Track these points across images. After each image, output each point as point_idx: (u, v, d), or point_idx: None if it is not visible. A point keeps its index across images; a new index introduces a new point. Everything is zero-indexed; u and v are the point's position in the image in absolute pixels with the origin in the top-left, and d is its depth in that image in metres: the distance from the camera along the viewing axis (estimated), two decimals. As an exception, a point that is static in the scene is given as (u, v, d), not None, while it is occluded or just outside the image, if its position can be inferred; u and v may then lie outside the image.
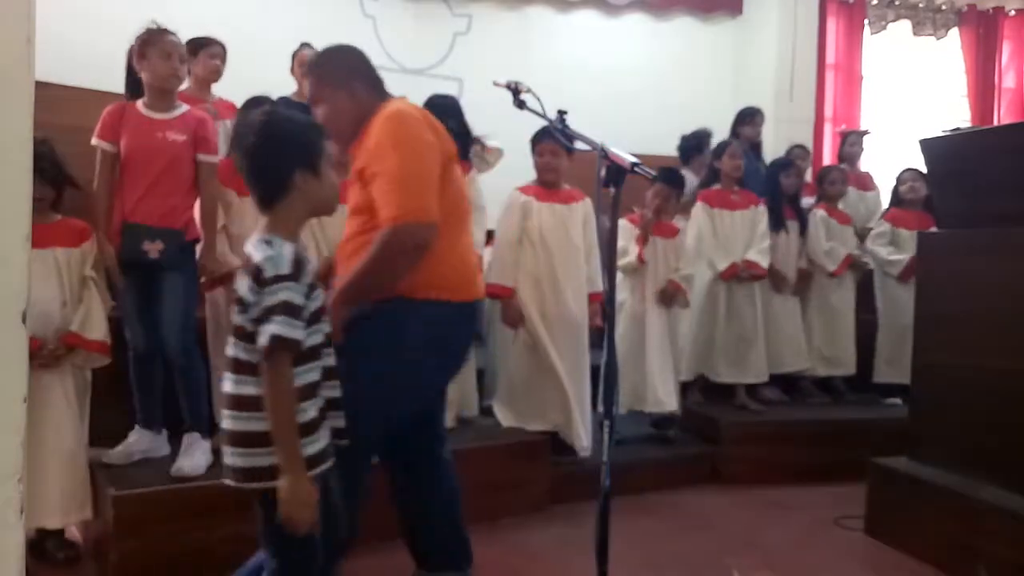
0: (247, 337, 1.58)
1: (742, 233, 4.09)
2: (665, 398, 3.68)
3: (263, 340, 1.53)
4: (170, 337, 2.69)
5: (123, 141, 2.69)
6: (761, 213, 4.13)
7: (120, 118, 2.69)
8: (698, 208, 4.12)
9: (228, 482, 1.62)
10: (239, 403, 1.59)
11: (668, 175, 3.76)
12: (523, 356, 3.41)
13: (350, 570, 2.61)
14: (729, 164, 4.11)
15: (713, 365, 4.09)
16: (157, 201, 2.67)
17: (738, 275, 4.02)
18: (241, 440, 1.59)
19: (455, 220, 2.06)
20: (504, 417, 3.46)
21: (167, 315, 2.70)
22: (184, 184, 2.74)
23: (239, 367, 1.60)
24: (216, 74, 3.69)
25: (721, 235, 4.07)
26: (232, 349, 1.62)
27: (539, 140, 3.35)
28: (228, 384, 1.61)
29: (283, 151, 1.66)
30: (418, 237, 1.92)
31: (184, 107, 2.80)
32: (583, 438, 3.34)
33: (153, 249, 2.64)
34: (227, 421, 1.61)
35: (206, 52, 3.67)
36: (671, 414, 3.78)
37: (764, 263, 4.02)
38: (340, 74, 2.10)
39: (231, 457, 1.60)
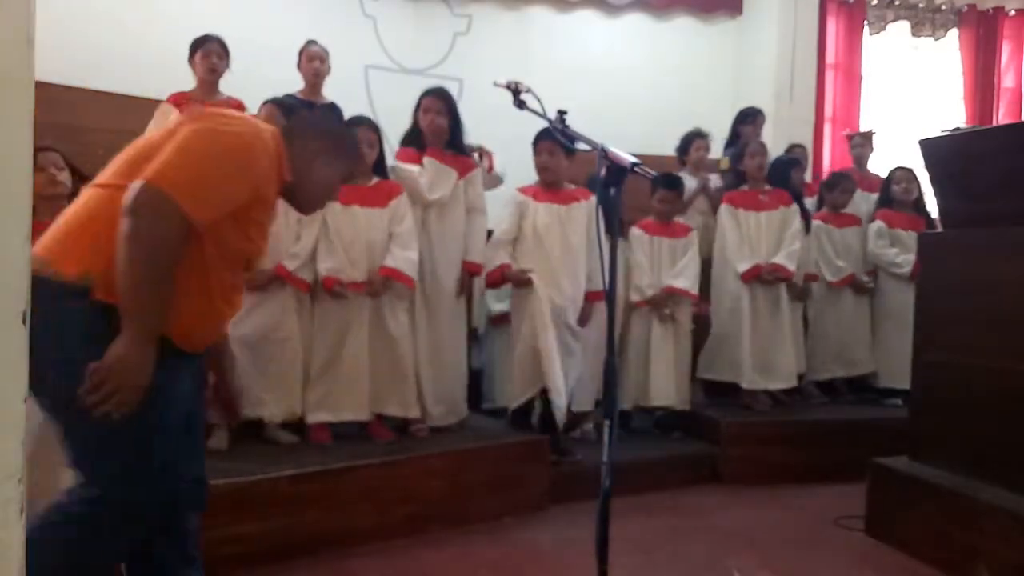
0: None
1: (769, 234, 4.00)
2: (669, 393, 3.81)
3: None
4: None
5: None
6: (793, 213, 4.03)
7: None
8: (722, 211, 4.07)
9: None
10: None
11: (667, 180, 3.84)
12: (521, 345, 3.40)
13: (352, 570, 2.62)
14: (750, 164, 4.06)
15: (740, 369, 3.96)
16: None
17: (760, 277, 3.94)
18: None
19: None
20: (503, 398, 3.58)
21: None
22: None
23: None
24: (213, 73, 3.64)
25: (746, 236, 4.00)
26: None
27: (538, 140, 3.36)
28: None
29: None
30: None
31: None
32: (562, 394, 3.24)
33: None
34: None
35: (202, 51, 3.66)
36: (672, 408, 3.87)
37: (791, 266, 3.92)
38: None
39: None
